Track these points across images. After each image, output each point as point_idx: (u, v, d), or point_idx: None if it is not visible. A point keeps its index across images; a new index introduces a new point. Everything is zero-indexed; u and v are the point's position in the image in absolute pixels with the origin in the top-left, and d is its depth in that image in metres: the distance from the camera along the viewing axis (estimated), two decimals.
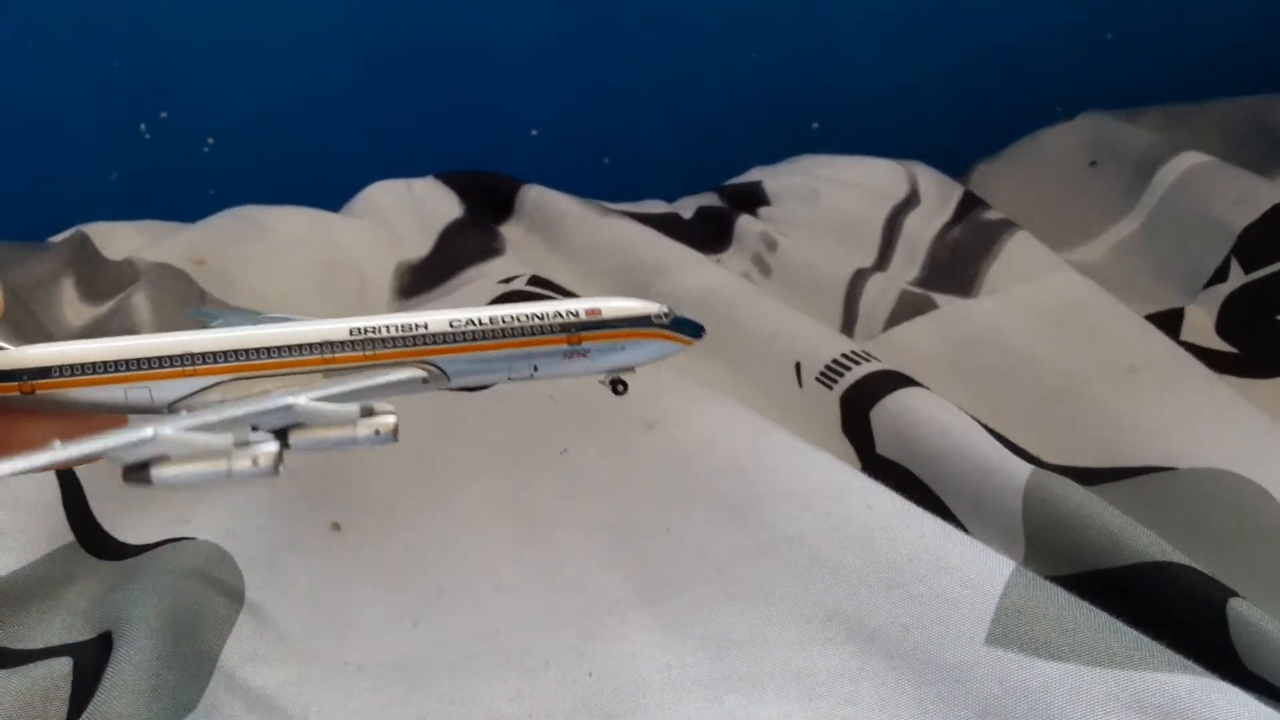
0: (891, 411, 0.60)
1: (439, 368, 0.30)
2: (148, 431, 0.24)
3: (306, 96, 0.92)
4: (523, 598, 0.52)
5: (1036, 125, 0.97)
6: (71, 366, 0.28)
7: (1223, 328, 0.73)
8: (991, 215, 0.81)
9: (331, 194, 0.90)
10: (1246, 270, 0.75)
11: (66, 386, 0.28)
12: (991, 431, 0.58)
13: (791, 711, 0.45)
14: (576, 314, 0.31)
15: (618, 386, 0.33)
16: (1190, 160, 0.82)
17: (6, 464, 0.23)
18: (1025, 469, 0.54)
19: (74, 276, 0.79)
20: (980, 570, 0.47)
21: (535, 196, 0.87)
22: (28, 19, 0.86)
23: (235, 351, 0.29)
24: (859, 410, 0.62)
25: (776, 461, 0.54)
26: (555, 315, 0.30)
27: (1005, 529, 0.53)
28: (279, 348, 0.29)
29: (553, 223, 0.85)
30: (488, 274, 0.78)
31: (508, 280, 0.75)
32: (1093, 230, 0.85)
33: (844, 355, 0.65)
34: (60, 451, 0.23)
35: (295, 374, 0.29)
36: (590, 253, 0.81)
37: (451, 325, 0.30)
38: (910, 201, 0.85)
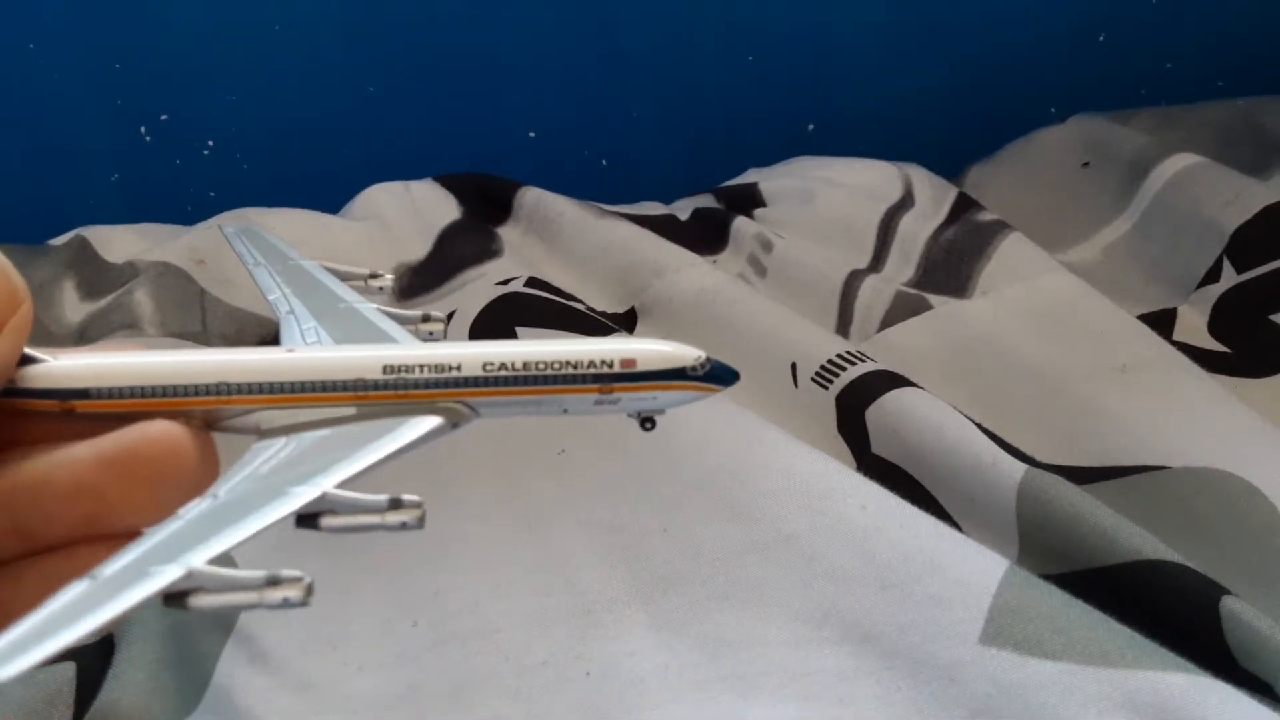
0: (886, 411, 0.60)
1: (470, 407, 0.30)
2: (180, 572, 0.24)
3: (306, 99, 0.93)
4: (521, 597, 0.53)
5: (1030, 127, 0.97)
6: (109, 390, 0.28)
7: (1215, 328, 0.74)
8: (985, 217, 0.81)
9: (330, 196, 0.91)
10: (1239, 271, 0.75)
11: (105, 409, 0.28)
12: (985, 431, 0.58)
13: (788, 711, 0.45)
14: (611, 364, 0.30)
15: (646, 424, 0.32)
16: (1183, 161, 0.82)
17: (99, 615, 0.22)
18: (1019, 468, 0.54)
19: (75, 279, 0.79)
20: (974, 569, 0.47)
21: (533, 198, 0.87)
22: (28, 20, 0.86)
23: (271, 385, 0.29)
24: (854, 410, 0.62)
25: (772, 461, 0.54)
26: (589, 365, 0.30)
27: (999, 528, 0.54)
28: (314, 383, 0.29)
29: (550, 224, 0.85)
30: (486, 275, 0.78)
31: (505, 282, 0.75)
32: (1086, 231, 0.86)
33: (839, 356, 0.65)
34: (109, 610, 0.23)
35: (329, 408, 0.29)
36: (587, 254, 0.81)
37: (485, 369, 0.29)
38: (905, 203, 0.85)
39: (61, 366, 0.28)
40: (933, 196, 0.86)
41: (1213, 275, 0.76)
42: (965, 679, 0.44)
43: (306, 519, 0.27)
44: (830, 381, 0.64)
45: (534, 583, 0.53)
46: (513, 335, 0.68)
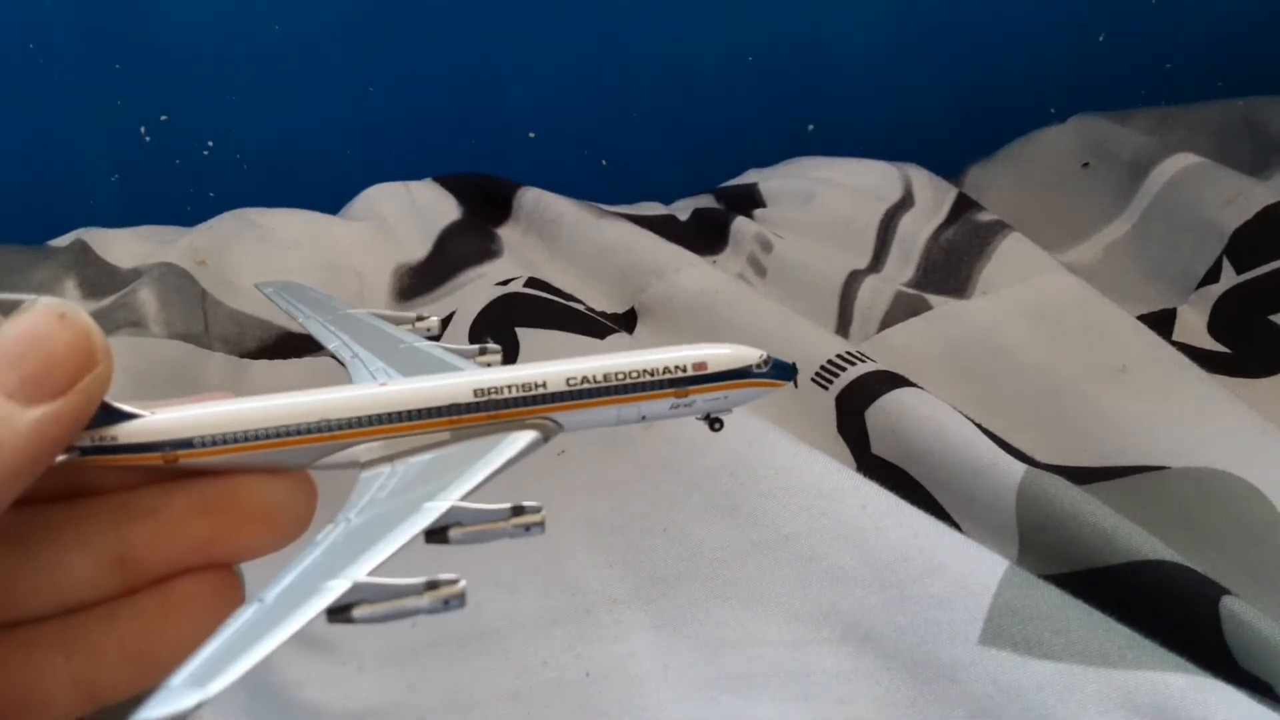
0: (886, 412, 0.60)
1: (555, 422, 0.31)
2: (346, 585, 0.25)
3: (306, 100, 0.93)
4: (521, 597, 0.53)
5: (1030, 127, 0.97)
6: (212, 437, 0.29)
7: (1215, 328, 0.74)
8: (985, 217, 0.81)
9: (330, 196, 0.91)
10: (1238, 271, 0.75)
11: (208, 455, 0.29)
12: (985, 431, 0.58)
13: (787, 712, 0.45)
14: (684, 369, 0.32)
15: (715, 425, 0.34)
16: (1182, 161, 0.83)
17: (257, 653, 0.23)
18: (1019, 468, 0.54)
19: (76, 279, 0.79)
20: (973, 570, 0.47)
21: (533, 199, 0.87)
22: (28, 20, 0.86)
23: (370, 417, 0.30)
24: (854, 410, 0.62)
25: (772, 461, 0.54)
26: (664, 371, 0.31)
27: (999, 528, 0.54)
28: (410, 411, 0.30)
29: (550, 225, 0.85)
30: (485, 276, 0.78)
31: (505, 282, 0.75)
32: (1085, 231, 0.86)
33: (839, 356, 0.65)
34: (288, 625, 0.24)
35: (426, 434, 0.31)
36: (587, 254, 0.81)
37: (568, 384, 0.31)
38: (904, 203, 0.85)
39: (161, 420, 0.29)
40: (933, 196, 0.86)
41: (1212, 275, 0.76)
42: (965, 679, 0.44)
43: (435, 533, 0.28)
44: (830, 382, 0.64)
45: (534, 583, 0.53)
46: (513, 336, 0.68)
